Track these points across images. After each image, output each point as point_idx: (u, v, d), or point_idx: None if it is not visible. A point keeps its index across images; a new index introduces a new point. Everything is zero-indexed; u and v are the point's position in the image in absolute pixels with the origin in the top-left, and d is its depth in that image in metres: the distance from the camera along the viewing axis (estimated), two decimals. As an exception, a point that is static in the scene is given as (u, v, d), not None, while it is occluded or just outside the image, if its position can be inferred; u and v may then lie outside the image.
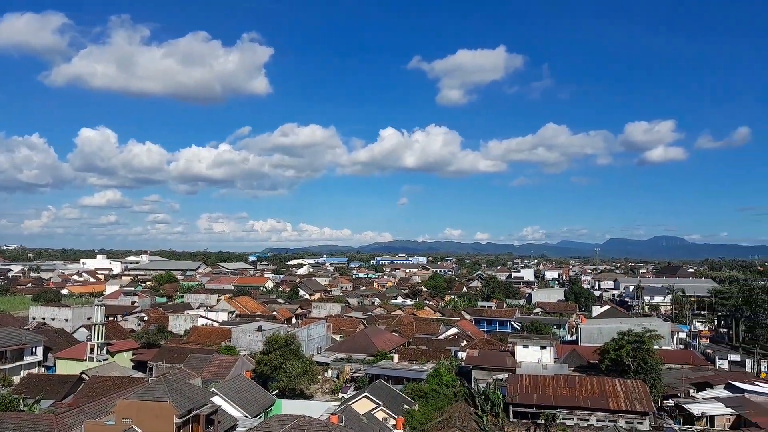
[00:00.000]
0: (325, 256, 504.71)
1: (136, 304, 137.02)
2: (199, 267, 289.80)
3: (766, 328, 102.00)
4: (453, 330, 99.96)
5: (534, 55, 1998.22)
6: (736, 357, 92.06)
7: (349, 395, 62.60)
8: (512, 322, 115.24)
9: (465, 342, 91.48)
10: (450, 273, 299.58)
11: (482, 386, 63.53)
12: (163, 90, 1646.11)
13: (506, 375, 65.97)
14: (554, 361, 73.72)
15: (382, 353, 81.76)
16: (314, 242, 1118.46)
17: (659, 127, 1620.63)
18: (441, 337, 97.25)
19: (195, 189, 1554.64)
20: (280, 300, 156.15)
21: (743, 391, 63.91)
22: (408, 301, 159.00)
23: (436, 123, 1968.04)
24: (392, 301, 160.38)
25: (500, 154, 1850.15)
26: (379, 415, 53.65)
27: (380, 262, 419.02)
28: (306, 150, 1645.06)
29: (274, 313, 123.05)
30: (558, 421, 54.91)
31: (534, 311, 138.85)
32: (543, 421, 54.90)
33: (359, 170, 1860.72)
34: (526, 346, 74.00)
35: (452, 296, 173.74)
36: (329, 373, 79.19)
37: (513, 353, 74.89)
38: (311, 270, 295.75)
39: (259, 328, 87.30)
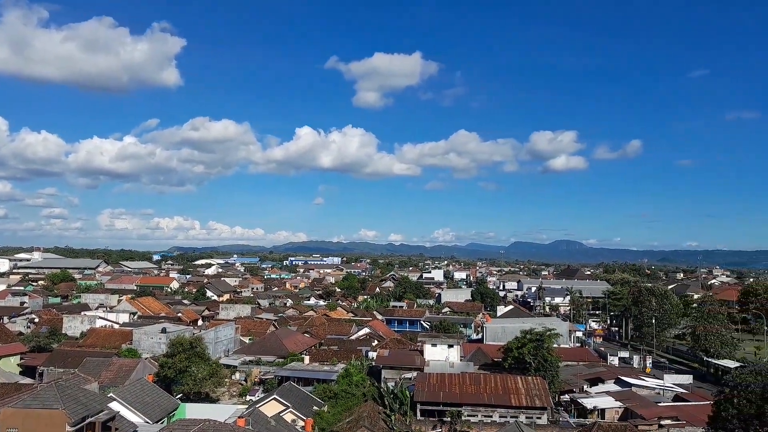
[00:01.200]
0: (235, 255, 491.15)
1: (25, 305, 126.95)
2: (98, 266, 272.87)
3: (652, 327, 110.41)
4: (365, 330, 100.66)
5: (448, 62, 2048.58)
6: (625, 354, 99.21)
7: (258, 398, 61.45)
8: (422, 322, 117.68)
9: (376, 342, 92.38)
10: (364, 273, 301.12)
11: (391, 385, 64.41)
12: (62, 77, 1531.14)
13: (415, 374, 67.32)
14: (461, 360, 76.04)
15: (293, 355, 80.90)
16: (224, 241, 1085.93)
17: (562, 137, 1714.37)
18: (353, 337, 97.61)
19: (96, 183, 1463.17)
20: (186, 301, 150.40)
21: (631, 385, 69.05)
22: (321, 302, 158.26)
23: (353, 124, 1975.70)
24: (305, 302, 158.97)
25: (414, 157, 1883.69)
26: (288, 417, 53.06)
27: (294, 263, 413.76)
28: (217, 145, 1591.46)
29: (180, 314, 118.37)
30: (463, 418, 56.69)
31: (443, 311, 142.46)
32: (449, 419, 56.49)
33: (274, 168, 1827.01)
34: (434, 345, 75.88)
35: (365, 297, 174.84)
36: (237, 375, 77.33)
37: (422, 352, 76.55)
38: (220, 270, 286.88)
39: (163, 330, 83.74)
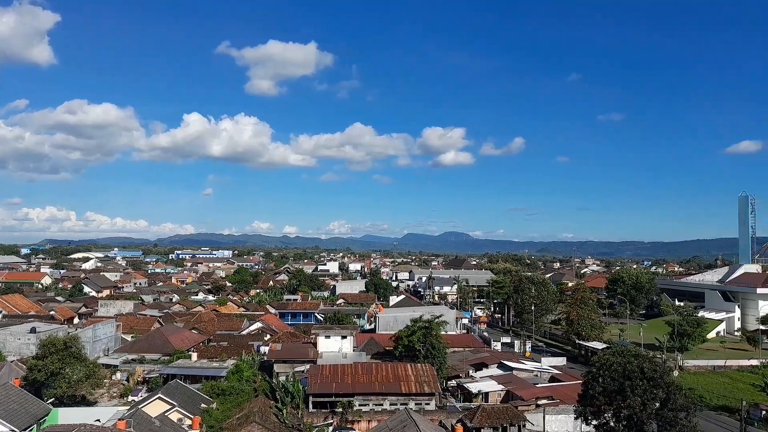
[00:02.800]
0: (116, 249, 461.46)
1: None
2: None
3: (531, 313, 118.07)
4: (257, 325, 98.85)
5: (344, 55, 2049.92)
6: (507, 339, 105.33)
7: (141, 398, 58.39)
8: (316, 314, 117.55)
9: (269, 336, 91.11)
10: (257, 267, 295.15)
11: (284, 379, 63.85)
12: None
13: (308, 366, 67.19)
14: (354, 350, 76.97)
15: (180, 352, 77.65)
16: (104, 234, 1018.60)
17: (452, 134, 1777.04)
18: (244, 332, 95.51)
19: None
20: (59, 298, 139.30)
21: (512, 369, 73.32)
22: (210, 297, 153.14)
23: (246, 113, 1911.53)
24: (193, 297, 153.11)
25: (310, 149, 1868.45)
26: (174, 416, 50.93)
27: (180, 256, 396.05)
28: (97, 131, 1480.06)
29: (52, 312, 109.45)
30: (355, 408, 57.45)
31: (337, 302, 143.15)
32: (340, 409, 57.01)
33: (159, 156, 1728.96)
34: (327, 337, 76.15)
35: (258, 291, 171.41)
36: (118, 375, 72.97)
37: (315, 344, 76.56)
38: (99, 264, 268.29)
39: (33, 330, 77.10)
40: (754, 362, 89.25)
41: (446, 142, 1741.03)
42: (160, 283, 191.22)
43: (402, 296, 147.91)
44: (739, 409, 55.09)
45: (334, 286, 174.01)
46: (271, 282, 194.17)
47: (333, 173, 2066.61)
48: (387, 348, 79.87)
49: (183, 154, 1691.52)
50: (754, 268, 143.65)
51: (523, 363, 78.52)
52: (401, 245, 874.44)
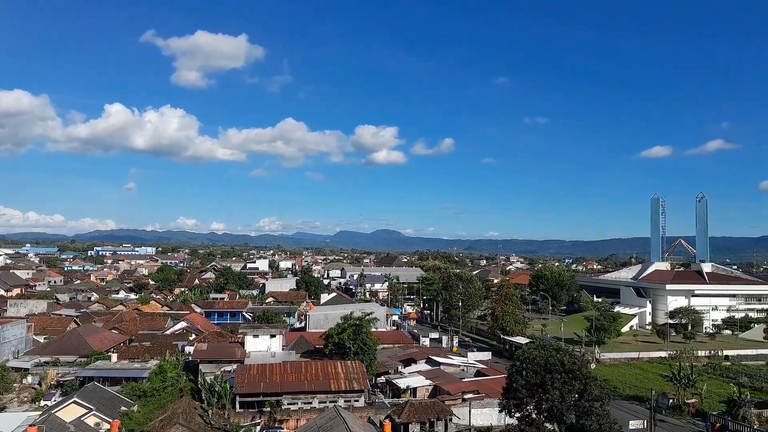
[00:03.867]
0: (28, 245, 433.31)
1: None
2: None
3: (459, 309, 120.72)
4: (182, 324, 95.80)
5: (275, 49, 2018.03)
6: (435, 335, 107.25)
7: (54, 402, 55.23)
8: (244, 313, 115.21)
9: (194, 336, 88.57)
10: (182, 264, 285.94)
11: (210, 379, 62.17)
12: None
13: (235, 366, 65.80)
14: (283, 349, 76.07)
15: (98, 353, 74.05)
16: (14, 229, 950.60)
17: (385, 132, 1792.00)
18: (168, 332, 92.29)
19: None
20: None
21: (439, 364, 74.77)
22: (132, 296, 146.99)
23: (171, 104, 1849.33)
24: (113, 296, 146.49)
25: (239, 143, 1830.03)
26: (91, 420, 48.58)
27: (100, 253, 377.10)
28: (7, 119, 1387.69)
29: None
30: (283, 407, 56.80)
31: (267, 301, 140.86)
32: (269, 409, 56.21)
33: (77, 148, 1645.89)
34: (256, 336, 74.82)
35: (183, 289, 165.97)
36: (29, 379, 68.68)
37: (243, 344, 75.08)
38: (9, 261, 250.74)
39: (-68, 333, 71.23)
40: (663, 354, 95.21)
41: (379, 140, 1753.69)
42: (78, 281, 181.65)
43: (333, 294, 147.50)
44: (649, 398, 58.62)
45: (264, 285, 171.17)
46: (196, 280, 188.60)
47: (263, 169, 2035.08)
48: (317, 346, 79.45)
49: (104, 146, 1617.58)
50: (664, 265, 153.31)
51: (450, 358, 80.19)
52: (334, 243, 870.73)
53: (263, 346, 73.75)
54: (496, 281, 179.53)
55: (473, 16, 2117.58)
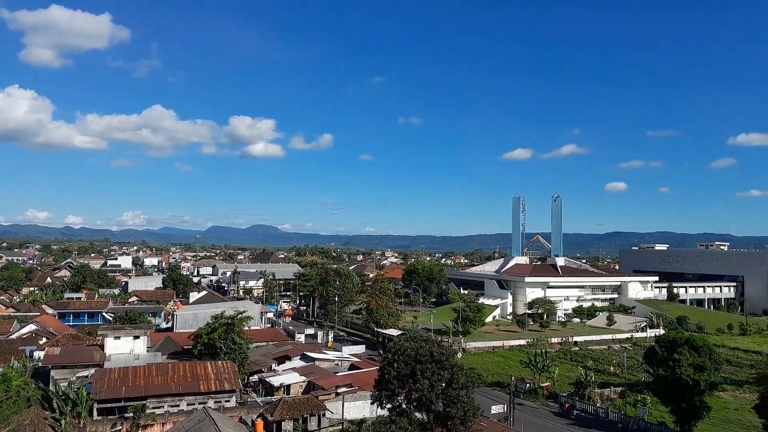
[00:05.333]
0: None
1: None
2: None
3: (335, 304, 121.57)
4: (30, 327, 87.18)
5: (142, 31, 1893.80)
6: (311, 331, 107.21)
7: None
8: (104, 314, 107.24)
9: (45, 339, 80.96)
10: (31, 261, 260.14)
11: (64, 386, 57.15)
12: None
13: (93, 371, 61.10)
14: (148, 351, 71.92)
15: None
16: None
17: (261, 125, 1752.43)
18: (14, 336, 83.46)
19: None
20: None
21: (314, 359, 74.84)
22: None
23: (20, 85, 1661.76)
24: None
25: (100, 130, 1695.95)
26: None
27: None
28: None
29: None
30: (148, 411, 53.74)
31: (130, 300, 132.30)
32: (131, 414, 52.90)
33: None
34: (117, 338, 69.97)
35: (32, 289, 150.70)
36: None
37: (103, 346, 69.94)
38: None
39: None
40: (522, 342, 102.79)
41: (255, 132, 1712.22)
42: None
43: (204, 292, 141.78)
44: (509, 383, 63.11)
45: (127, 283, 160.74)
46: (48, 278, 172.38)
47: (127, 158, 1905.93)
48: (186, 347, 76.12)
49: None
50: (524, 259, 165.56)
51: (325, 353, 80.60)
52: (205, 238, 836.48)
53: (126, 348, 69.16)
54: (371, 276, 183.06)
55: (354, 13, 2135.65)
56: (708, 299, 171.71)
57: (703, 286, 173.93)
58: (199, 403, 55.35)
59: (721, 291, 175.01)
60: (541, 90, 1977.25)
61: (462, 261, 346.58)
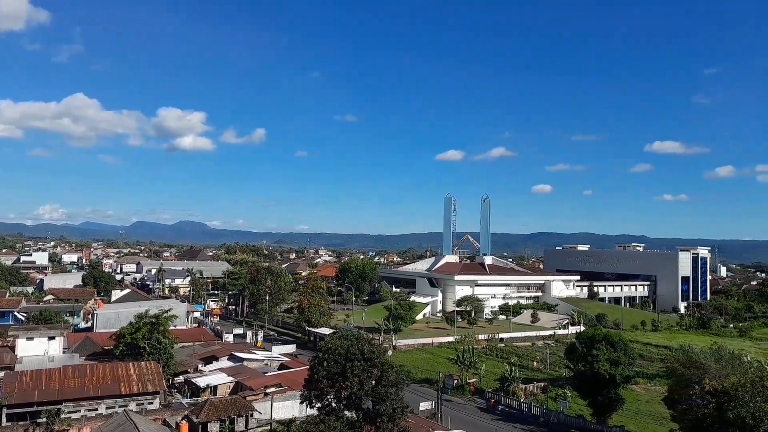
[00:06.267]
0: None
1: None
2: None
3: (266, 303, 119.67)
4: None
5: (64, 14, 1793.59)
6: (240, 330, 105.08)
7: None
8: (16, 313, 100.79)
9: (-53, 341, 75.15)
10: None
11: (-33, 392, 53.36)
12: None
13: (2, 374, 57.43)
14: (64, 352, 68.49)
15: None
16: None
17: (191, 117, 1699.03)
18: None
19: None
20: None
21: (242, 359, 73.43)
22: None
23: None
24: None
25: (16, 117, 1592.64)
26: None
27: None
28: None
29: None
30: (63, 415, 51.04)
31: (45, 299, 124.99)
32: (45, 419, 50.08)
33: None
34: (30, 339, 66.25)
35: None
36: None
37: (13, 348, 65.96)
38: None
39: None
40: (451, 339, 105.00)
41: (185, 124, 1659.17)
42: None
43: (127, 290, 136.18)
44: (438, 380, 64.35)
45: (42, 280, 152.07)
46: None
47: (45, 148, 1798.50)
48: (107, 347, 72.84)
49: None
50: (454, 258, 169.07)
51: (254, 353, 79.28)
52: (129, 234, 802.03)
53: (39, 349, 65.46)
54: (304, 274, 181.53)
55: (288, 5, 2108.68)
56: (624, 297, 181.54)
57: (621, 285, 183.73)
58: (120, 406, 53.17)
59: (636, 290, 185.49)
60: (474, 93, 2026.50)
61: (395, 259, 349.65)
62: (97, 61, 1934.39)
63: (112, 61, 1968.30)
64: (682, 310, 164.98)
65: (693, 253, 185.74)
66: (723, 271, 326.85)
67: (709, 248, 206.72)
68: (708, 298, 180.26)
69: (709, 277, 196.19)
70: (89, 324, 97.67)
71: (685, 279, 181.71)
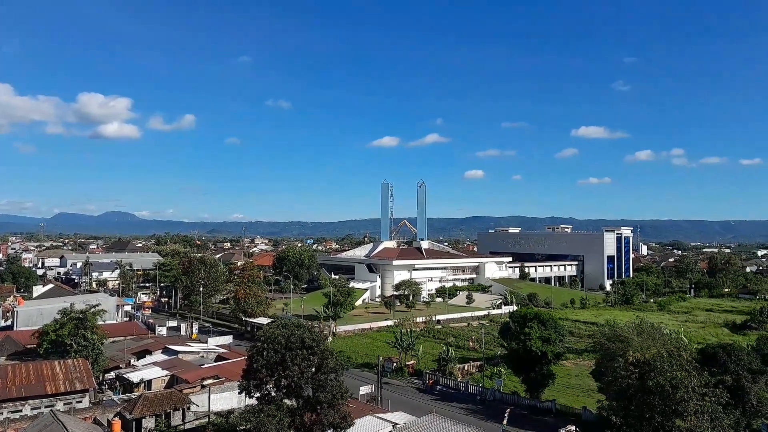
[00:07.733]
0: None
1: None
2: None
3: (200, 295, 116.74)
4: None
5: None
6: (173, 323, 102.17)
7: None
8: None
9: None
10: None
11: None
12: None
13: None
14: (-19, 353, 64.32)
15: None
16: None
17: (115, 103, 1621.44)
18: None
19: None
20: None
21: (177, 352, 71.55)
22: None
23: None
24: None
25: None
26: None
27: None
28: None
29: None
30: (-17, 420, 48.18)
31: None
32: (-38, 425, 47.11)
33: None
34: (-58, 341, 61.71)
35: None
36: None
37: (-77, 352, 61.28)
38: None
39: None
40: (390, 323, 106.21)
41: (108, 111, 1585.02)
42: None
43: (50, 285, 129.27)
44: (377, 364, 64.99)
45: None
46: None
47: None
48: (29, 346, 69.01)
49: None
50: (392, 244, 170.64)
51: (189, 345, 77.45)
52: (50, 227, 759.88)
53: (-47, 352, 61.24)
54: (239, 264, 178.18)
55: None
56: (554, 277, 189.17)
57: (551, 265, 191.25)
58: (46, 407, 50.66)
59: (565, 269, 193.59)
60: (408, 80, 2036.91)
61: (333, 246, 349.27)
62: (7, 42, 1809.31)
63: (25, 42, 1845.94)
64: (608, 288, 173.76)
65: (617, 234, 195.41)
66: (644, 250, 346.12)
67: (632, 228, 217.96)
68: (631, 276, 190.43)
69: (632, 256, 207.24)
70: (9, 322, 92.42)
71: (610, 258, 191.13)
